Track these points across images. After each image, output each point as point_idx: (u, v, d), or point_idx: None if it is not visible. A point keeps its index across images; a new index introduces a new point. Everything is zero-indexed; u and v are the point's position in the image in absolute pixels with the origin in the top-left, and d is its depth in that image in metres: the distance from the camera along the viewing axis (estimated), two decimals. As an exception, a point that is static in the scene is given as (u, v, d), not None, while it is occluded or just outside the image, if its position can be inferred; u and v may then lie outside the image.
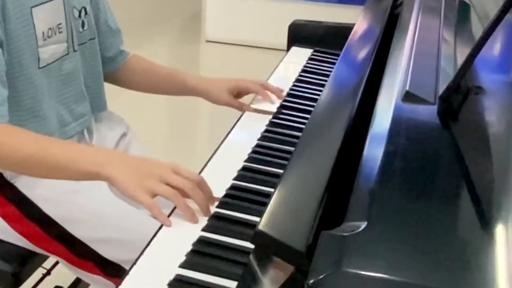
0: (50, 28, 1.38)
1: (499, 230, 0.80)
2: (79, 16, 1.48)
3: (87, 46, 1.53)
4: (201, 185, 1.19)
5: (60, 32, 1.41)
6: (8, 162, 1.31)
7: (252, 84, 1.67)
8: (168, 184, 1.17)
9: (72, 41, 1.46)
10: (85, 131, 1.58)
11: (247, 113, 1.62)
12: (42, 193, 1.41)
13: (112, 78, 1.69)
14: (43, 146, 1.28)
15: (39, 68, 1.37)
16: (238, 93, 1.67)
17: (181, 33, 4.78)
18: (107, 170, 1.19)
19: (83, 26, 1.49)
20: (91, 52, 1.55)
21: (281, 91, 1.69)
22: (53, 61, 1.41)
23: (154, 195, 1.16)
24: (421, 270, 0.71)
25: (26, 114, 1.39)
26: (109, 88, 1.66)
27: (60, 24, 1.41)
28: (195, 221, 1.15)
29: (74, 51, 1.47)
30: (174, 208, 1.19)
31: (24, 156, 1.27)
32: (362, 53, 1.42)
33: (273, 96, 1.66)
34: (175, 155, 2.02)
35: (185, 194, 1.17)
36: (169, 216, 1.18)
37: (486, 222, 0.83)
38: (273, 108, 1.62)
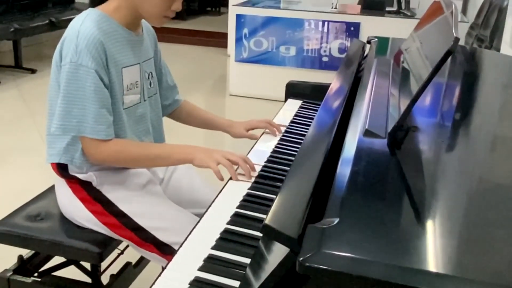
0: (131, 83, 1.40)
1: (429, 224, 0.81)
2: (148, 78, 1.50)
3: (152, 98, 1.53)
4: (247, 161, 1.37)
5: (136, 87, 1.43)
6: (125, 160, 1.39)
7: (262, 123, 1.70)
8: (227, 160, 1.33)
9: (143, 94, 1.46)
10: None
11: (257, 145, 1.61)
12: (119, 196, 1.41)
13: (170, 116, 1.71)
14: (147, 147, 1.42)
15: (123, 109, 1.39)
16: (251, 129, 1.70)
17: (212, 89, 4.79)
18: (194, 155, 1.34)
19: (150, 84, 1.50)
20: (155, 102, 1.55)
21: (280, 128, 1.70)
22: (131, 106, 1.42)
23: (218, 163, 1.32)
24: (376, 251, 0.71)
25: None
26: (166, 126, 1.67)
27: (137, 81, 1.43)
28: (236, 178, 1.33)
29: (144, 100, 1.47)
30: (205, 210, 1.19)
31: (135, 155, 1.38)
32: (336, 103, 1.43)
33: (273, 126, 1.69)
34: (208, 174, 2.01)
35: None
36: (202, 217, 1.19)
37: (420, 218, 0.83)
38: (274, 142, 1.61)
